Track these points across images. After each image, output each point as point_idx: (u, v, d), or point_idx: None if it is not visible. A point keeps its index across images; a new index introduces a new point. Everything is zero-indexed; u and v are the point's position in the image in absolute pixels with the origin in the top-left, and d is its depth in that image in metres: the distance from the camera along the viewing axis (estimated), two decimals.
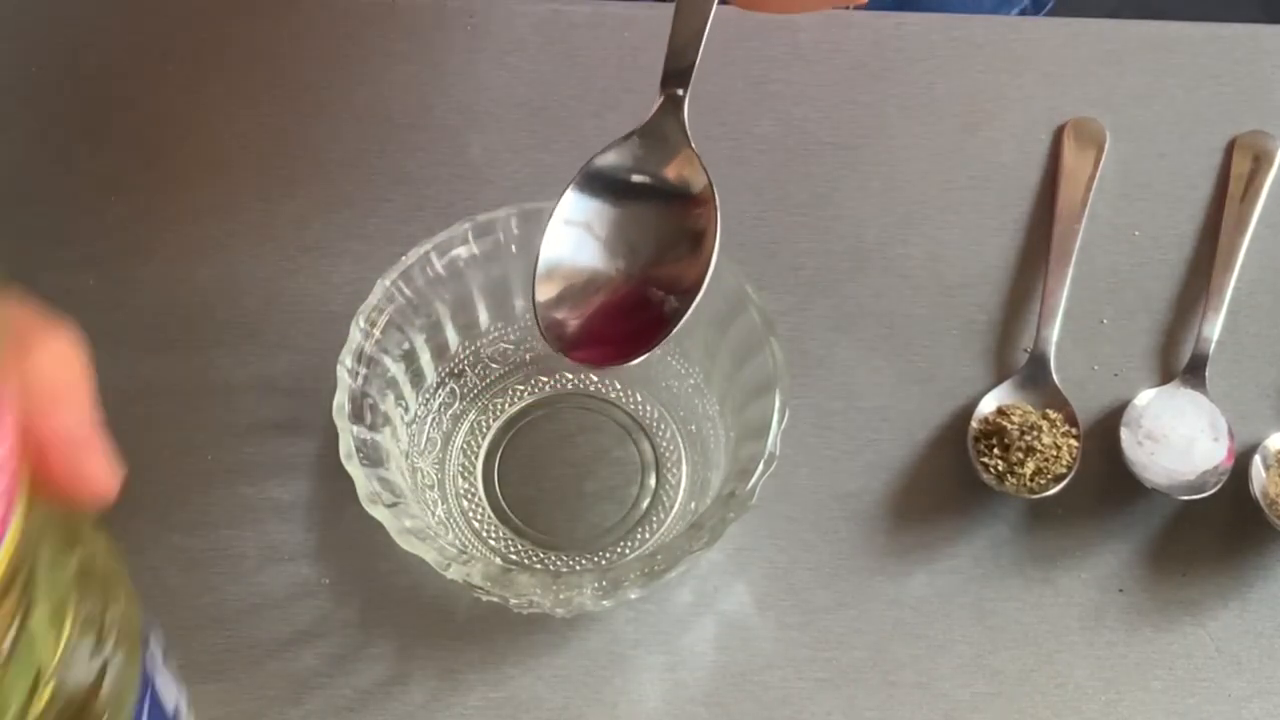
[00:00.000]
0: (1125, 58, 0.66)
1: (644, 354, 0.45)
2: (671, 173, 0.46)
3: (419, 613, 0.53)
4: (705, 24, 0.43)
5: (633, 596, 0.48)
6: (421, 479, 0.54)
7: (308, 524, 0.54)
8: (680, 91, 0.45)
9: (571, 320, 0.46)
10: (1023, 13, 0.80)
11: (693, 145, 0.45)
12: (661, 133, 0.46)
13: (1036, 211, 0.62)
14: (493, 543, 0.54)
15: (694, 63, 0.44)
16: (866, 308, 0.59)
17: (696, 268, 0.44)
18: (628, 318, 0.46)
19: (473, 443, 0.56)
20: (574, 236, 0.46)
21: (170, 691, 0.37)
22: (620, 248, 0.46)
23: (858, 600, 0.53)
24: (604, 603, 0.48)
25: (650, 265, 0.46)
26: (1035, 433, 0.54)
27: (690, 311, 0.44)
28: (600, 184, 0.46)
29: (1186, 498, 0.54)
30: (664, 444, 0.56)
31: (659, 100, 0.45)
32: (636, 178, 0.46)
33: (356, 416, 0.49)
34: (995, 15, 0.77)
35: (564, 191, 0.46)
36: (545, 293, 0.46)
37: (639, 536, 0.54)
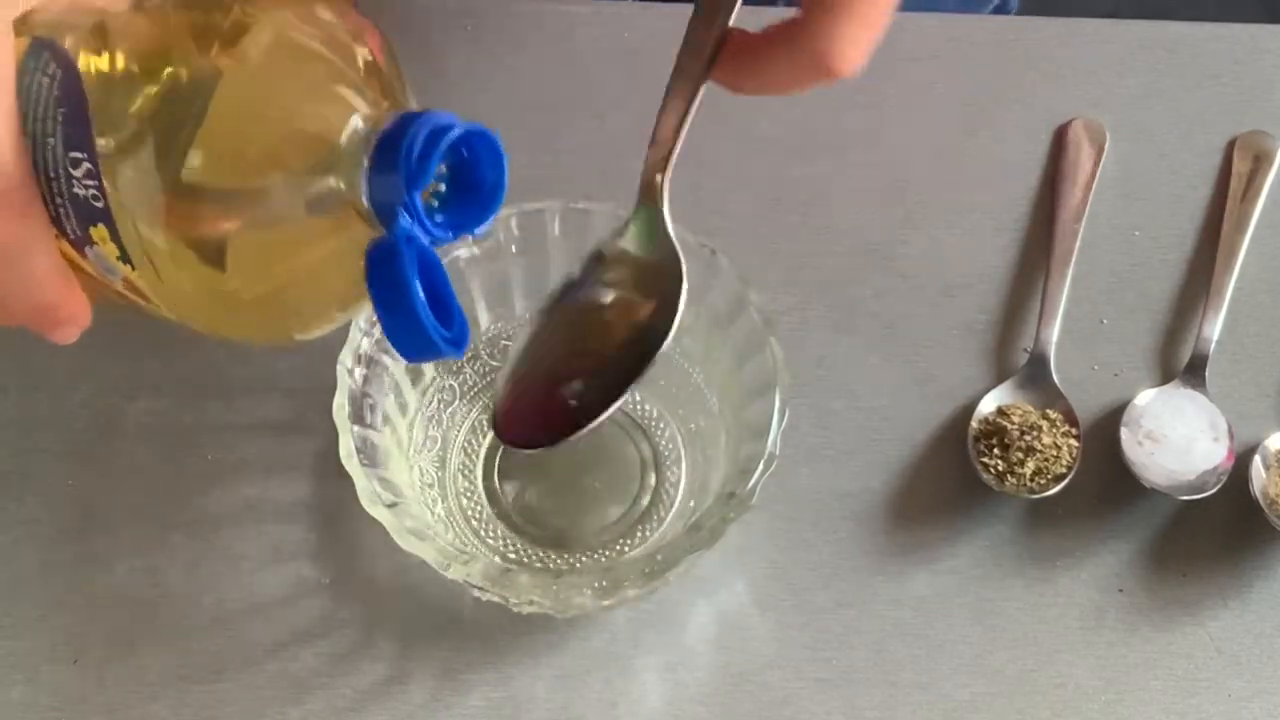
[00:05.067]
0: (1125, 58, 0.66)
1: (573, 437, 0.44)
2: (646, 270, 0.45)
3: (419, 613, 0.53)
4: (689, 111, 0.43)
5: (632, 596, 0.48)
6: (421, 477, 0.54)
7: (308, 524, 0.54)
8: (659, 178, 0.43)
9: (513, 407, 0.46)
10: (994, 12, 0.79)
11: (672, 234, 0.44)
12: (640, 224, 0.45)
13: (1036, 211, 0.62)
14: (491, 541, 0.54)
15: (674, 150, 0.43)
16: (866, 308, 0.59)
17: (640, 362, 0.44)
18: (562, 405, 0.46)
19: (473, 441, 0.56)
20: (542, 348, 0.46)
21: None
22: (577, 350, 0.46)
23: (858, 600, 0.53)
24: (604, 603, 0.48)
25: (600, 360, 0.45)
26: (1035, 433, 0.54)
27: (617, 405, 0.44)
28: (571, 297, 0.46)
29: (1186, 498, 0.54)
30: (664, 443, 0.56)
31: (641, 187, 0.44)
32: (610, 294, 0.46)
33: (356, 416, 0.49)
34: (986, 16, 0.77)
35: (545, 307, 0.46)
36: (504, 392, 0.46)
37: (639, 535, 0.54)
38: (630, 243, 0.45)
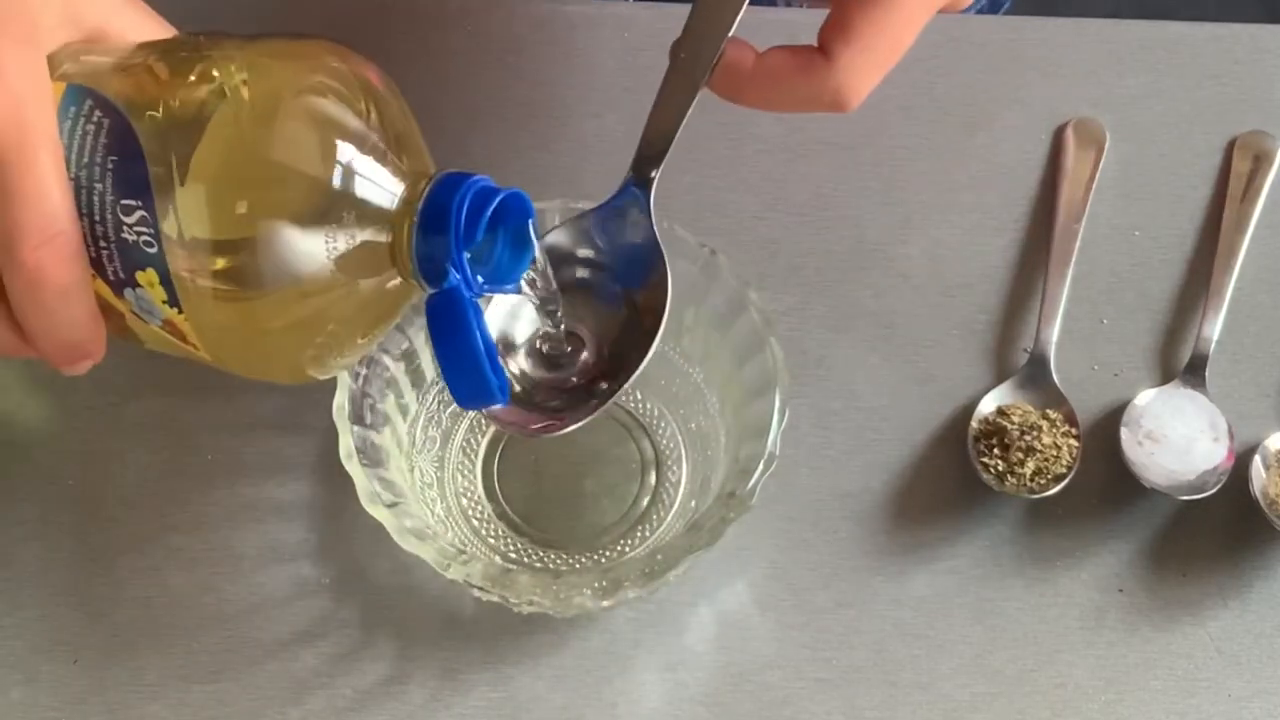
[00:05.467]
0: (1125, 58, 0.66)
1: (565, 430, 0.45)
2: (628, 257, 0.45)
3: (419, 613, 0.53)
4: (686, 111, 0.43)
5: (632, 596, 0.48)
6: (421, 478, 0.54)
7: (308, 524, 0.54)
8: (653, 174, 0.44)
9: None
10: (979, 13, 0.79)
11: (656, 230, 0.45)
12: (625, 213, 0.45)
13: (1036, 211, 0.62)
14: (492, 540, 0.54)
15: (668, 148, 0.44)
16: (866, 308, 0.59)
17: (635, 353, 0.44)
18: (557, 392, 0.46)
19: (472, 440, 0.56)
20: (516, 312, 0.46)
21: None
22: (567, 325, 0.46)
23: (858, 600, 0.53)
24: (604, 603, 0.48)
25: (590, 345, 0.46)
26: (1035, 433, 0.54)
27: (612, 399, 0.44)
28: (553, 259, 0.46)
29: (1186, 498, 0.54)
30: (664, 442, 0.56)
31: (626, 178, 0.45)
32: (591, 255, 0.46)
33: (356, 417, 0.49)
34: (985, 16, 0.77)
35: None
36: None
37: (639, 535, 0.54)
38: (615, 229, 0.45)
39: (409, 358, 0.52)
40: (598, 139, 0.63)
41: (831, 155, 0.63)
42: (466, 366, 0.39)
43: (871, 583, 0.54)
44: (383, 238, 0.38)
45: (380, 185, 0.38)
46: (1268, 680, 0.52)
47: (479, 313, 0.39)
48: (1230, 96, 0.65)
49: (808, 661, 0.52)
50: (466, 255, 0.38)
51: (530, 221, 0.40)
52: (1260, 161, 0.62)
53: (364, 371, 0.50)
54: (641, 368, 0.44)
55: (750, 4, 0.43)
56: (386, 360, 0.51)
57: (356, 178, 0.38)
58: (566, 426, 0.45)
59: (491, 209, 0.38)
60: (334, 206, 0.37)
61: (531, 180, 0.62)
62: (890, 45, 0.42)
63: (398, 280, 0.39)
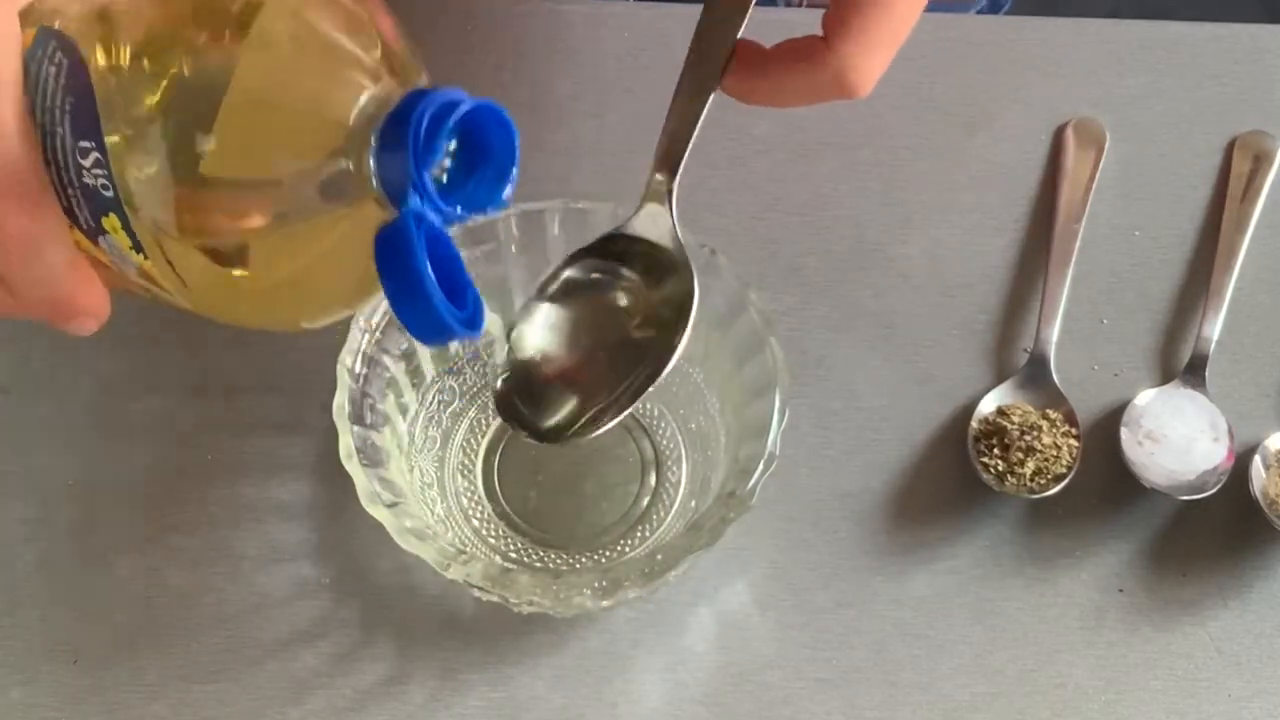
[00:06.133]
0: (1125, 58, 0.66)
1: (580, 439, 0.45)
2: (653, 268, 0.45)
3: (419, 613, 0.53)
4: (699, 117, 0.43)
5: (632, 596, 0.48)
6: (421, 478, 0.54)
7: (308, 524, 0.54)
8: (672, 184, 0.44)
9: (524, 396, 0.45)
10: (980, 13, 0.79)
11: (680, 238, 0.44)
12: (648, 225, 0.45)
13: (1036, 211, 0.62)
14: (492, 540, 0.54)
15: (683, 157, 0.43)
16: (866, 308, 0.59)
17: (654, 364, 0.44)
18: (574, 397, 0.46)
19: (472, 441, 0.56)
20: (546, 326, 0.46)
21: None
22: (584, 335, 0.46)
23: (858, 600, 0.53)
24: (604, 603, 0.48)
25: (610, 354, 0.45)
26: (1035, 433, 0.54)
27: (628, 411, 0.44)
28: (576, 281, 0.46)
29: (1186, 498, 0.54)
30: (664, 442, 0.56)
31: (644, 191, 0.44)
32: (618, 269, 0.46)
33: (356, 417, 0.49)
34: (985, 16, 0.77)
35: (541, 287, 0.45)
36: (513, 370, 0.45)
37: (639, 534, 0.54)
38: (639, 246, 0.45)
39: (409, 357, 0.52)
40: (597, 139, 0.63)
41: (831, 155, 0.63)
42: (417, 301, 0.36)
43: (871, 583, 0.54)
44: (347, 164, 0.35)
45: (349, 112, 0.35)
46: (1268, 680, 0.52)
47: (442, 239, 0.36)
48: (1230, 96, 0.65)
49: (808, 661, 0.52)
50: (442, 179, 0.36)
51: (513, 138, 0.37)
52: (1260, 161, 0.62)
53: (364, 371, 0.50)
54: (667, 371, 0.43)
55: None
56: (386, 360, 0.51)
57: (323, 107, 0.35)
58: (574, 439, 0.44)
59: (455, 120, 0.35)
60: (293, 133, 0.35)
61: (530, 180, 0.62)
62: (893, 26, 0.41)
63: (372, 215, 0.36)
